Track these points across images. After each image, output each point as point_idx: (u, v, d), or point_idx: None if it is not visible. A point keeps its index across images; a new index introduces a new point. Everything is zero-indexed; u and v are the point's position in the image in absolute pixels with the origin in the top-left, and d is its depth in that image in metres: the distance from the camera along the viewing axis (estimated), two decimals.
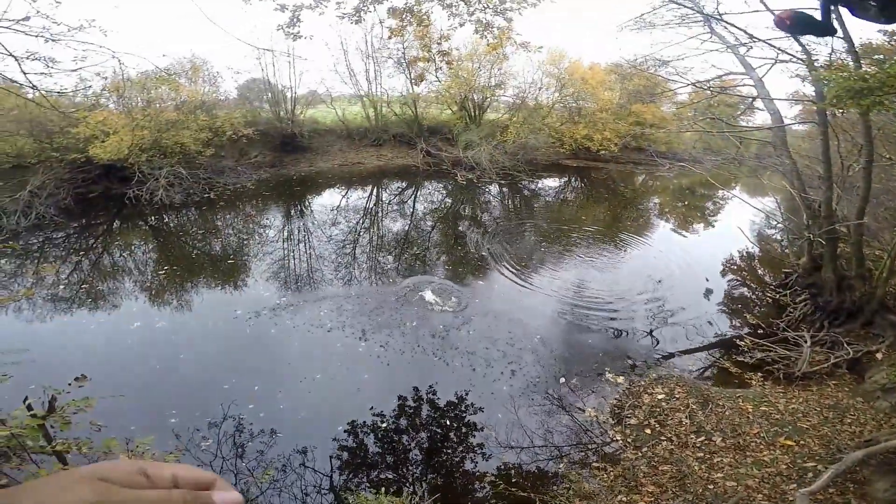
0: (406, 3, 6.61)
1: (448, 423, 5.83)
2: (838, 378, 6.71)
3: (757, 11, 8.32)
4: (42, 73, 5.62)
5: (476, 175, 19.13)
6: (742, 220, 14.77)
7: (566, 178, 22.49)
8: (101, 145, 13.56)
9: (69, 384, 2.72)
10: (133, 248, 11.72)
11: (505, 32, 7.02)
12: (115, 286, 9.32)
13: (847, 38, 7.04)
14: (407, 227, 14.07)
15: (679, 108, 20.30)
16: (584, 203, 18.75)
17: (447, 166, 20.17)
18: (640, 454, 5.29)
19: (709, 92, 11.02)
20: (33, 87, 5.26)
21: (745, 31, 8.77)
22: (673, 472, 4.96)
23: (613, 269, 11.24)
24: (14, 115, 12.85)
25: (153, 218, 13.56)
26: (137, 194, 13.88)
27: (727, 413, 5.85)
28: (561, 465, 5.18)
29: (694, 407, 5.98)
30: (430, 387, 6.35)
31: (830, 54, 7.64)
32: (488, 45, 8.07)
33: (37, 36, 5.42)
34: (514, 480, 4.93)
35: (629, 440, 5.54)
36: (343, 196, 17.16)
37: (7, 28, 4.88)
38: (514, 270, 10.56)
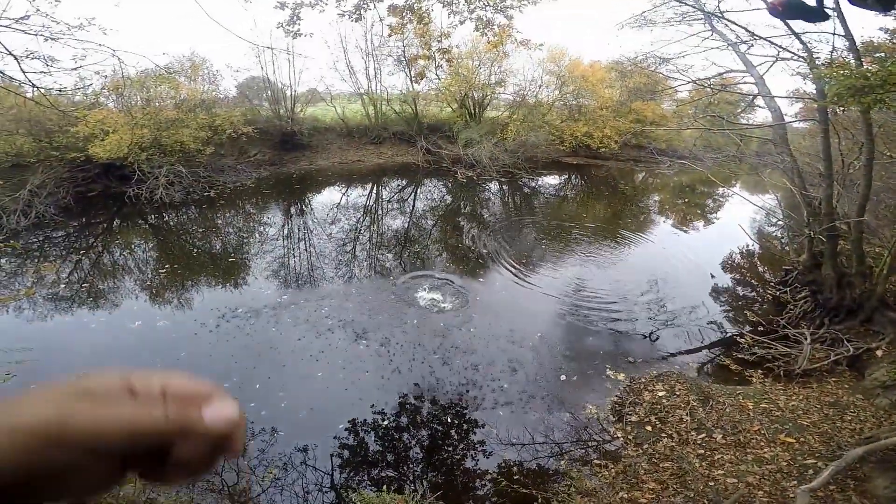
0: (406, 1, 6.60)
1: (449, 420, 5.84)
2: (838, 375, 6.73)
3: (758, 9, 8.31)
4: (41, 72, 5.61)
5: (476, 173, 19.12)
6: (742, 218, 14.79)
7: (566, 176, 22.47)
8: (101, 144, 13.52)
9: None
10: (133, 246, 11.71)
11: (505, 30, 7.01)
12: (116, 285, 9.32)
13: (848, 35, 7.04)
14: (407, 225, 14.07)
15: (679, 105, 20.26)
16: (585, 200, 18.74)
17: (447, 164, 20.16)
18: (640, 451, 5.31)
19: (709, 90, 10.99)
20: (33, 85, 5.26)
21: (746, 29, 8.77)
22: (674, 469, 4.97)
23: (614, 266, 11.24)
24: (13, 114, 12.83)
25: (153, 216, 13.55)
26: (137, 193, 13.87)
27: (728, 410, 5.86)
28: (562, 463, 5.20)
29: (694, 404, 5.99)
30: (431, 384, 6.36)
31: (832, 52, 7.64)
32: (489, 42, 8.06)
33: (36, 34, 5.42)
34: (515, 477, 4.95)
35: (630, 437, 5.55)
36: (343, 194, 17.15)
37: (6, 27, 4.88)
38: (514, 268, 10.56)
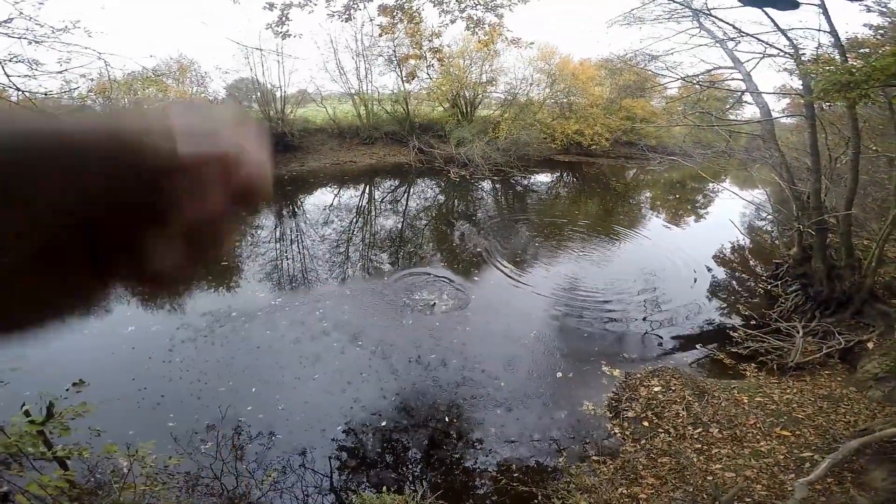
0: (396, 1, 6.58)
1: (447, 419, 5.84)
2: (831, 368, 6.82)
3: (744, 6, 8.40)
4: (26, 76, 5.52)
5: (469, 171, 19.11)
6: (733, 212, 14.94)
7: (558, 174, 22.55)
8: None
9: (66, 389, 2.69)
10: None
11: (496, 29, 7.02)
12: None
13: (833, 32, 7.14)
14: (401, 225, 14.02)
15: (669, 102, 20.43)
16: (577, 198, 18.83)
17: (440, 163, 20.13)
18: (638, 447, 5.34)
19: (698, 86, 11.10)
20: (17, 89, 5.17)
21: (734, 26, 8.86)
22: (672, 463, 5.01)
23: (607, 262, 11.31)
24: None
25: None
26: None
27: (723, 404, 5.92)
28: (560, 459, 5.21)
29: (690, 399, 6.04)
30: (428, 384, 6.35)
31: (817, 48, 7.74)
32: (479, 41, 8.06)
33: (20, 38, 5.32)
34: (514, 475, 4.95)
35: (627, 433, 5.59)
36: (335, 195, 17.06)
37: None
38: (508, 266, 10.58)
